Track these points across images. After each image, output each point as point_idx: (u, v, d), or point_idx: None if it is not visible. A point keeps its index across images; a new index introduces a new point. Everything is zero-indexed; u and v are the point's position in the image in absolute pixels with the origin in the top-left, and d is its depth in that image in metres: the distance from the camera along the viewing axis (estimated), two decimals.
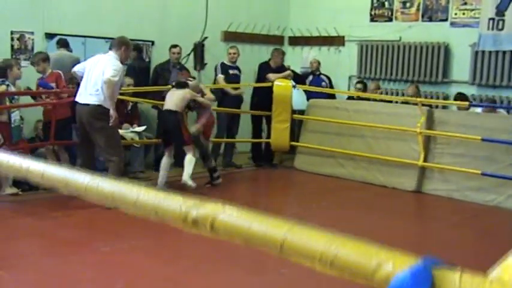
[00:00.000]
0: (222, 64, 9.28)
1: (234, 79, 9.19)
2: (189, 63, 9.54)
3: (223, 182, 7.69)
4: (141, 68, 8.94)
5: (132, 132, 8.37)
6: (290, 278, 4.62)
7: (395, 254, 1.02)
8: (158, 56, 9.17)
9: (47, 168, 1.55)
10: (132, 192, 1.39)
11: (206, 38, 9.73)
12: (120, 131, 8.31)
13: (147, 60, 9.39)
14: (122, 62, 6.59)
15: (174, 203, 1.32)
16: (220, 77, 9.10)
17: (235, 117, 9.20)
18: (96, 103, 6.38)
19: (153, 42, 9.40)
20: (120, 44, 6.60)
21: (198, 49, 9.74)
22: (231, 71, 9.21)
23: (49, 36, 8.26)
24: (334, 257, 1.06)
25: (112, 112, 6.34)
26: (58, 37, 8.30)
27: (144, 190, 1.37)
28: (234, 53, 9.23)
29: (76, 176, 1.47)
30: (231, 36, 10.29)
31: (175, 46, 8.83)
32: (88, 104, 6.41)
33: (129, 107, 8.59)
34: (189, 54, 9.54)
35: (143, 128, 8.44)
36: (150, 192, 1.37)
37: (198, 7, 9.64)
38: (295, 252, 1.15)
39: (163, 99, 7.55)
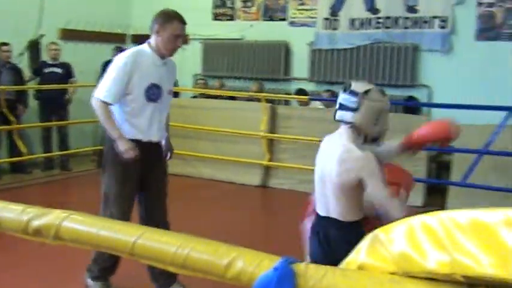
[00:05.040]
0: (40, 62, 8.90)
1: (49, 78, 8.64)
2: (24, 63, 9.03)
3: (62, 188, 7.33)
4: None
5: None
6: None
7: (246, 251, 1.03)
8: None
9: None
10: None
11: (43, 35, 9.26)
12: None
13: None
14: (162, 54, 3.93)
15: (13, 213, 1.22)
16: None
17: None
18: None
19: None
20: (151, 24, 4.03)
21: (33, 48, 9.24)
22: (47, 70, 8.79)
23: None
24: (186, 258, 1.05)
25: (118, 143, 3.81)
26: None
27: None
28: (55, 49, 8.85)
29: None
30: (69, 34, 9.86)
31: (5, 44, 8.30)
32: None
33: None
34: (22, 54, 9.02)
35: None
36: None
37: (32, 2, 9.13)
38: (146, 255, 1.12)
39: None
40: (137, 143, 3.84)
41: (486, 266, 0.76)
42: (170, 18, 3.92)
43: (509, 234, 0.72)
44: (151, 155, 3.98)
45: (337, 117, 2.69)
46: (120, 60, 3.82)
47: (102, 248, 1.19)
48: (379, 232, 0.93)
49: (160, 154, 4.16)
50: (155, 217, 4.04)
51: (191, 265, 1.08)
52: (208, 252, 1.08)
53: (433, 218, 0.85)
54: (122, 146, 3.79)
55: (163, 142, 4.15)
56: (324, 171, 2.70)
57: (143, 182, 4.02)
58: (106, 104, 3.79)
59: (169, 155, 4.32)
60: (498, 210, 0.77)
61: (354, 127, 2.63)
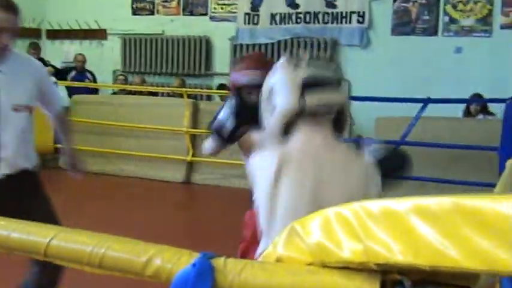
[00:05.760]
0: None
1: None
2: None
3: None
4: None
5: None
6: None
7: (164, 248, 1.03)
8: None
9: None
10: None
11: None
12: None
13: None
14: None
15: None
16: None
17: None
18: None
19: None
20: None
21: None
22: None
23: None
24: (102, 257, 1.04)
25: None
26: None
27: None
28: None
29: None
30: None
31: None
32: None
33: None
34: None
35: None
36: None
37: None
38: (61, 256, 1.09)
39: None
40: None
41: (396, 253, 0.79)
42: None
43: (418, 221, 0.75)
44: (9, 188, 2.93)
45: (324, 103, 1.66)
46: None
47: (16, 251, 1.15)
48: (296, 225, 0.94)
49: (28, 184, 3.08)
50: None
51: (108, 264, 1.06)
52: (126, 250, 1.06)
53: (347, 209, 0.87)
54: None
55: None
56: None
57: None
58: None
59: (76, 173, 3.45)
60: (408, 198, 0.79)
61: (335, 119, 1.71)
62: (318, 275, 0.88)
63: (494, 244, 0.64)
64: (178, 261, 0.99)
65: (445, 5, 8.36)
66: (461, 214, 0.69)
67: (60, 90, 8.85)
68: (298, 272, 0.90)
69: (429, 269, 0.76)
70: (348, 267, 0.85)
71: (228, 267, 0.95)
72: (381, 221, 0.80)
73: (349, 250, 0.85)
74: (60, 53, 10.74)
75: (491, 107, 7.45)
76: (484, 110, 7.47)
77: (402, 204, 0.79)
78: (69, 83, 9.13)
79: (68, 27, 10.67)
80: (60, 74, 9.38)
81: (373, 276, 0.83)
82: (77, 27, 10.60)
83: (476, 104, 7.45)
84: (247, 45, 9.51)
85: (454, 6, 8.30)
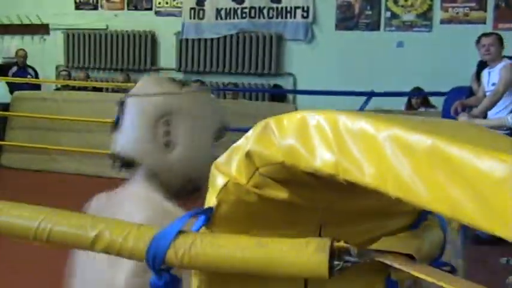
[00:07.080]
0: None
1: None
2: None
3: None
4: None
5: None
6: None
7: (112, 222, 1.03)
8: None
9: None
10: None
11: None
12: None
13: None
14: None
15: None
16: None
17: None
18: None
19: None
20: None
21: None
22: None
23: None
24: (50, 232, 1.02)
25: None
26: None
27: None
28: None
29: None
30: None
31: None
32: None
33: None
34: None
35: None
36: None
37: None
38: (7, 232, 1.07)
39: None
40: None
41: (366, 175, 0.79)
42: None
43: (394, 150, 0.76)
44: None
45: None
46: None
47: None
48: (271, 121, 0.92)
49: None
50: None
51: (56, 239, 1.04)
52: (75, 225, 1.05)
53: (325, 117, 0.87)
54: None
55: None
56: None
57: None
58: None
59: None
60: (391, 124, 0.80)
61: None
62: (267, 248, 0.89)
63: (463, 194, 0.65)
64: (128, 235, 0.99)
65: (386, 0, 8.56)
66: (437, 157, 0.70)
67: (1, 86, 8.62)
68: (247, 246, 0.91)
69: (394, 198, 0.77)
70: (296, 239, 0.87)
71: (177, 240, 0.94)
72: (357, 139, 0.80)
73: (320, 159, 0.85)
74: (0, 48, 10.45)
75: (432, 99, 7.67)
76: (425, 103, 7.68)
77: (383, 129, 0.79)
78: (10, 78, 8.90)
79: (8, 22, 10.40)
80: (1, 69, 9.13)
81: (323, 244, 0.86)
82: (18, 22, 10.34)
83: (418, 97, 7.66)
84: (193, 40, 9.49)
85: (396, 2, 8.51)
